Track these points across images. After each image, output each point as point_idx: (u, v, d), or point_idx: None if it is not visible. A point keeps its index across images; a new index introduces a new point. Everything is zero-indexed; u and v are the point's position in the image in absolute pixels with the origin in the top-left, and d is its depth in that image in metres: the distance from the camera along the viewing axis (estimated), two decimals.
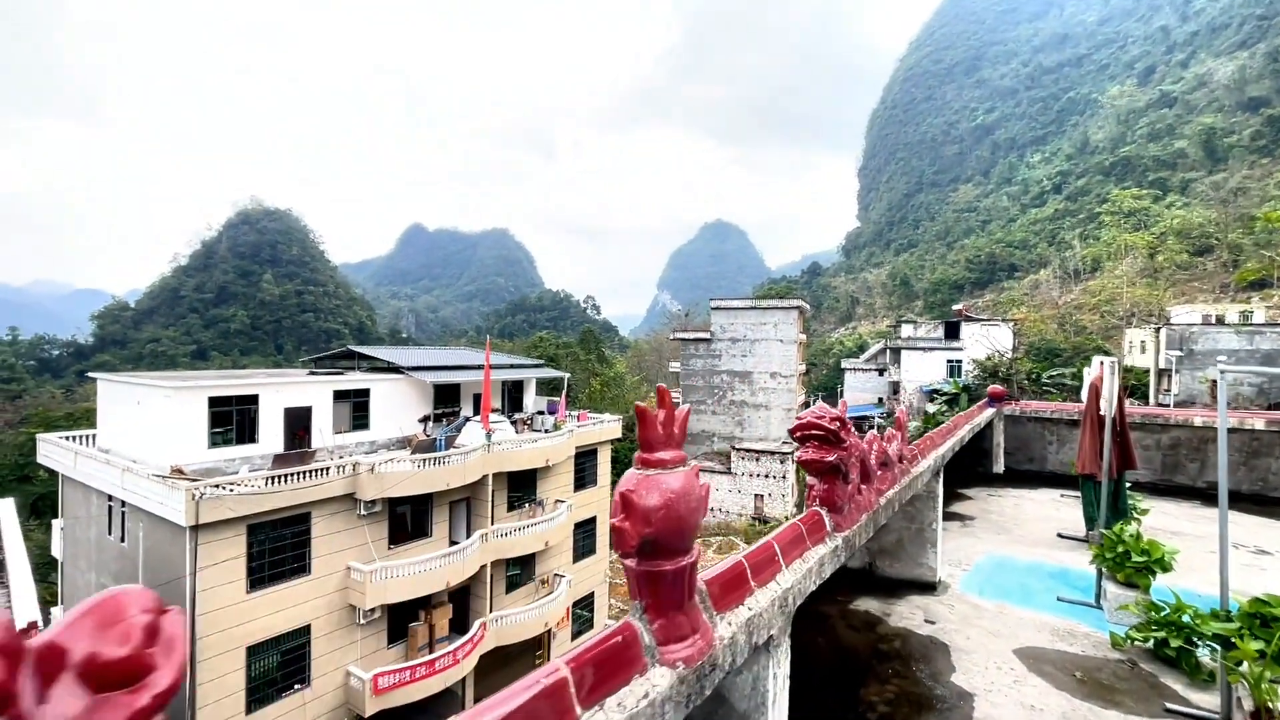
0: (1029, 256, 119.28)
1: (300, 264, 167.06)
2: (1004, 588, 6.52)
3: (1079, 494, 9.00)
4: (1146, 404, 42.81)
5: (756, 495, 48.52)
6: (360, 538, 18.69)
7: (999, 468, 10.61)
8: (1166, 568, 5.50)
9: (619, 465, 47.91)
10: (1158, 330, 50.45)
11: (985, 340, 54.96)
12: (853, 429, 3.87)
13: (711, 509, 49.97)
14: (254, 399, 19.54)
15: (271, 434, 20.02)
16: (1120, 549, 5.63)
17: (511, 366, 29.43)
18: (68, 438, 20.84)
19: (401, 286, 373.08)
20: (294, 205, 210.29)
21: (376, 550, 19.24)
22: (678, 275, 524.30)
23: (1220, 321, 56.92)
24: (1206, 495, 9.72)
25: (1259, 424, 9.64)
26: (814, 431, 3.63)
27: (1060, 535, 8.17)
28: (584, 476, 28.29)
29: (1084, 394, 7.56)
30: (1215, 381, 45.93)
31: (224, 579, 15.60)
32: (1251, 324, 51.84)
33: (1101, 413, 6.72)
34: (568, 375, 31.89)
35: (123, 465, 16.90)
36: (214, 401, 18.63)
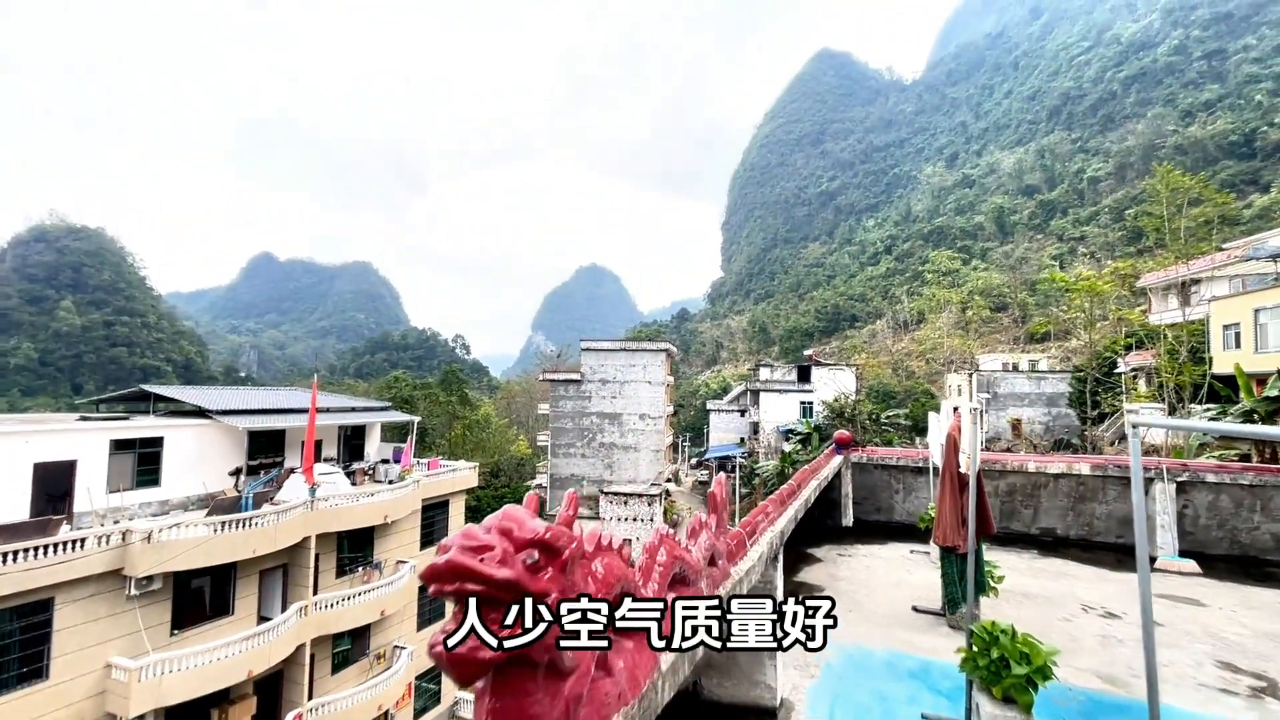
0: (867, 308, 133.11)
1: (112, 290, 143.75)
2: (860, 705, 5.62)
3: (927, 548, 8.89)
4: None
5: (624, 540, 47.53)
6: (128, 625, 15.05)
7: (848, 520, 10.57)
8: (1048, 675, 4.70)
9: (476, 516, 44.91)
10: (970, 375, 57.63)
11: (832, 383, 59.44)
12: (569, 549, 2.21)
13: None
14: None
15: (12, 497, 15.86)
16: (995, 654, 4.70)
17: (350, 410, 26.43)
18: None
19: (244, 320, 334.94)
20: (109, 224, 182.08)
21: (154, 638, 15.61)
22: (553, 316, 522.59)
23: (1015, 369, 66.42)
24: (1041, 542, 10.09)
25: (1085, 468, 10.21)
26: (470, 585, 1.85)
27: (916, 609, 7.56)
28: (432, 531, 25.67)
29: (931, 440, 7.40)
30: (1018, 421, 52.89)
31: None
32: (1037, 371, 61.06)
33: (962, 469, 5.75)
34: (416, 419, 29.25)
35: None
36: None
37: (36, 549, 13.19)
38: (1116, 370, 37.88)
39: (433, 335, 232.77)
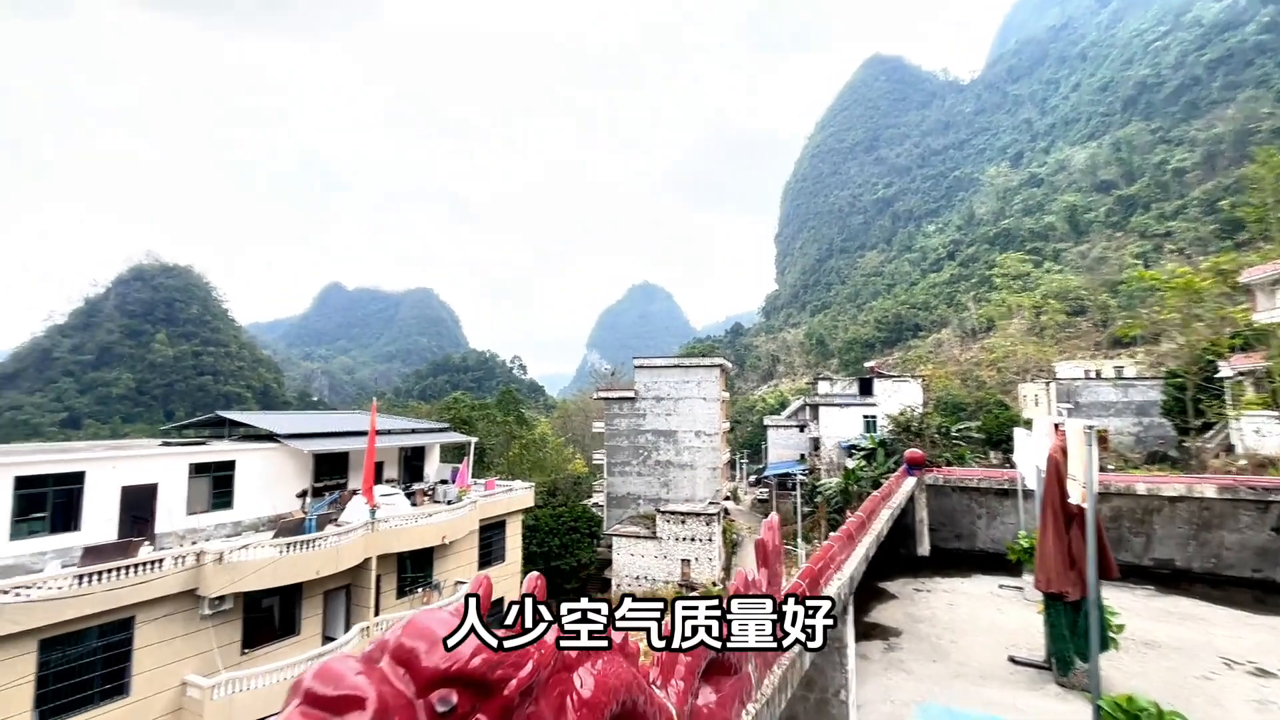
0: (930, 317, 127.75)
1: (200, 323, 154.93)
2: None
3: (1019, 582, 7.87)
4: None
5: (683, 560, 46.62)
6: (202, 643, 15.54)
7: (924, 549, 9.45)
8: None
9: (535, 535, 45.04)
10: (1048, 385, 53.98)
11: (897, 396, 56.94)
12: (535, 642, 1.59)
13: (636, 577, 47.54)
14: (78, 477, 16.38)
15: (103, 518, 16.77)
16: None
17: (410, 431, 26.96)
18: None
19: (315, 347, 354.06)
20: (197, 262, 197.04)
21: (226, 656, 16.07)
22: (606, 335, 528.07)
23: (1099, 376, 61.83)
24: (1157, 576, 8.68)
25: (1209, 490, 8.69)
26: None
27: (1014, 661, 6.35)
28: (490, 552, 25.76)
29: (1020, 459, 6.55)
30: (1104, 432, 49.11)
31: None
32: (1125, 378, 56.57)
33: (1074, 501, 4.67)
34: (474, 440, 29.57)
35: None
36: (23, 482, 15.40)
37: (120, 569, 13.80)
38: (1219, 375, 34.50)
39: (491, 357, 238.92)
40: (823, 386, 66.30)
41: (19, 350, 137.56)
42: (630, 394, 58.09)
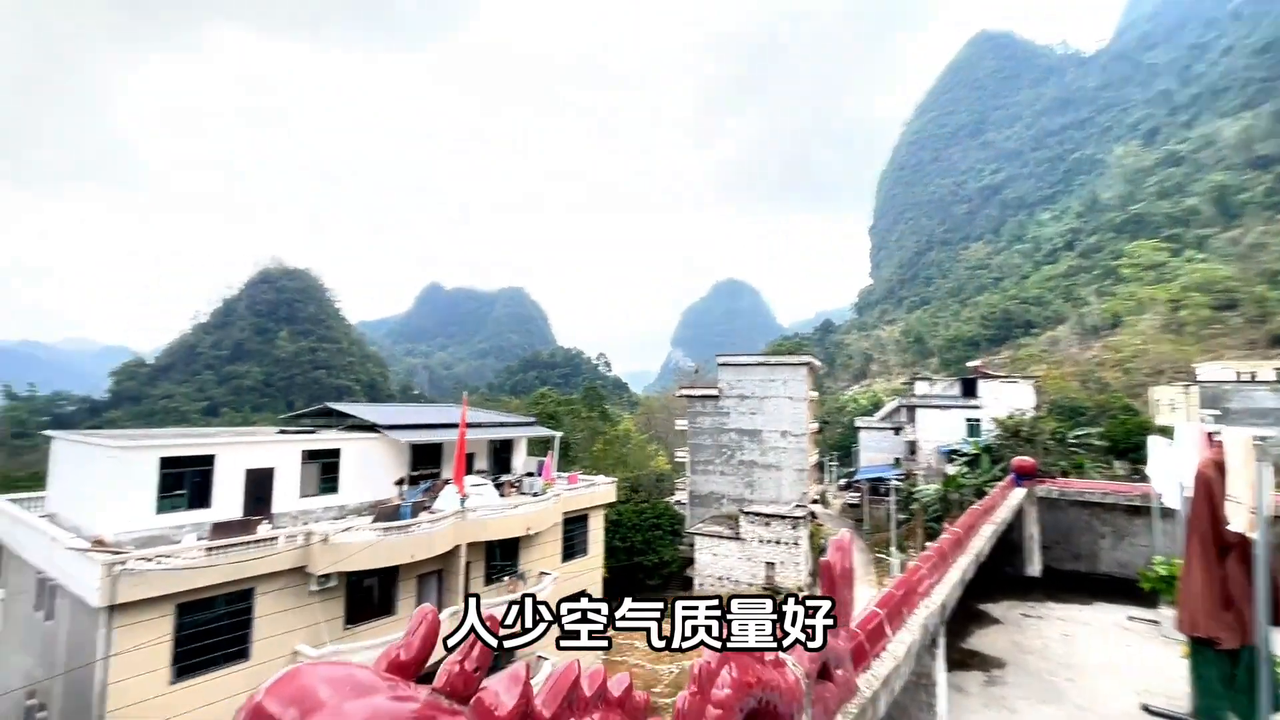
0: (1045, 313, 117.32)
1: (316, 321, 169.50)
2: None
3: (1154, 615, 6.73)
4: None
5: (768, 563, 45.52)
6: (311, 617, 16.80)
7: (1034, 569, 8.21)
8: None
9: (618, 530, 45.48)
10: (1188, 388, 48.06)
11: (1005, 398, 52.65)
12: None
13: (719, 578, 46.94)
14: (210, 459, 18.17)
15: (230, 497, 18.52)
16: None
17: (499, 425, 27.93)
18: (14, 500, 19.47)
19: (417, 344, 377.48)
20: (313, 264, 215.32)
21: (331, 630, 17.30)
22: (691, 333, 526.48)
23: (1254, 379, 54.19)
24: None
25: None
26: None
27: (1149, 710, 5.24)
28: (573, 545, 26.21)
29: (1156, 473, 5.58)
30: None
31: (144, 667, 13.75)
32: None
33: (1234, 528, 3.80)
34: (559, 435, 30.21)
35: (48, 534, 15.42)
36: (166, 462, 17.27)
37: (242, 544, 15.17)
38: None
39: (577, 354, 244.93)
40: (921, 387, 62.52)
41: (171, 346, 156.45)
42: (713, 392, 57.41)
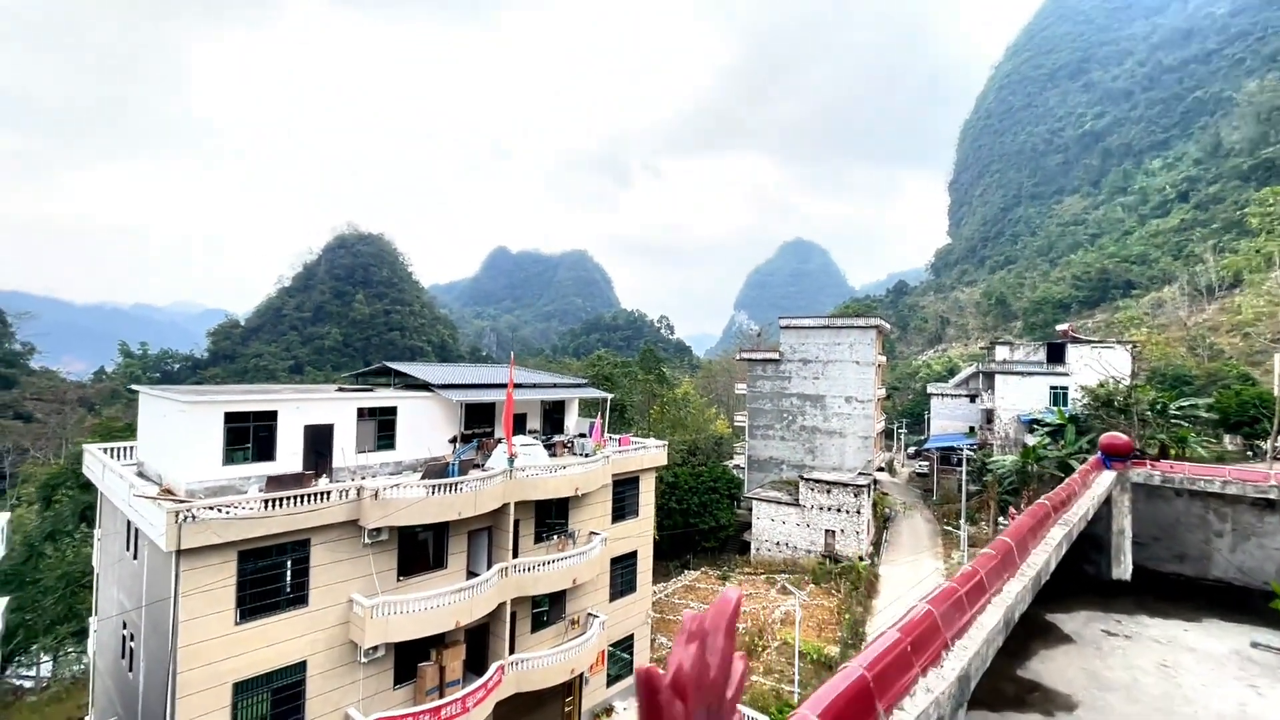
0: (1149, 272, 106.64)
1: (389, 285, 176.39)
2: None
3: None
4: None
5: (827, 531, 44.33)
6: (364, 568, 17.34)
7: (1123, 570, 6.43)
8: None
9: (675, 492, 45.30)
10: None
11: (1097, 365, 48.28)
12: None
13: (778, 543, 46.23)
14: (273, 415, 18.82)
15: (291, 452, 19.21)
16: None
17: (551, 386, 27.82)
18: (107, 450, 21.01)
19: (485, 307, 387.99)
20: (386, 230, 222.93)
21: (384, 582, 17.84)
22: (755, 295, 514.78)
23: None
24: None
25: None
26: None
27: None
28: (623, 506, 26.04)
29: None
30: None
31: (210, 608, 14.55)
32: None
33: None
34: (609, 396, 29.84)
35: (127, 481, 16.43)
36: (231, 417, 18.00)
37: (295, 498, 15.65)
38: None
39: (640, 316, 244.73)
40: (1001, 352, 58.32)
41: (260, 308, 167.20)
42: (774, 355, 55.66)
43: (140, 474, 19.59)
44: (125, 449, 21.39)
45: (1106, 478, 6.20)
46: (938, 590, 2.75)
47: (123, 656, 18.54)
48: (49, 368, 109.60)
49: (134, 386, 22.14)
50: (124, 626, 18.42)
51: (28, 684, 36.43)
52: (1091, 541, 5.86)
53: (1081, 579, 5.68)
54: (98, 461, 20.26)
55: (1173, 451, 34.86)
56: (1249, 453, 47.64)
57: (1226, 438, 50.88)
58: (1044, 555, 3.62)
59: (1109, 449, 6.54)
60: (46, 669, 37.34)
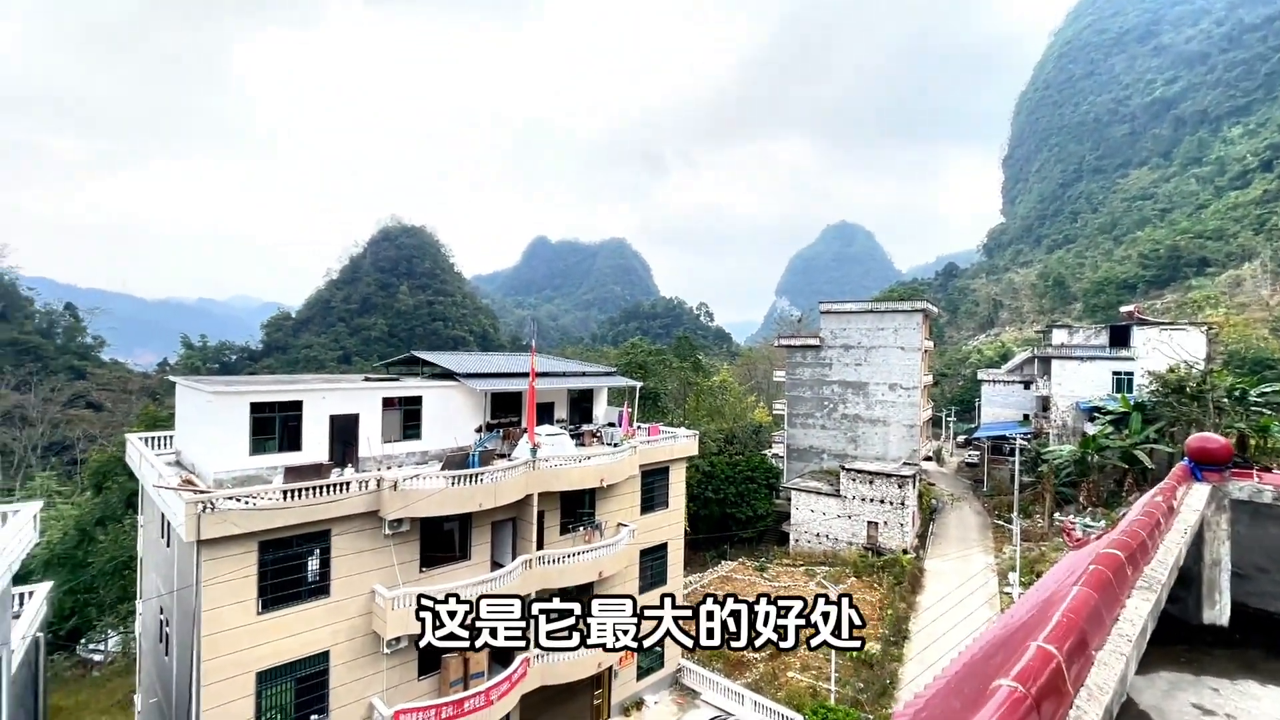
0: (1227, 249, 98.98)
1: (432, 276, 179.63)
2: None
3: None
4: None
5: (870, 523, 42.75)
6: (386, 559, 17.20)
7: (1216, 613, 4.08)
8: None
9: (711, 482, 44.38)
10: None
11: (1167, 348, 44.90)
12: None
13: (817, 534, 44.89)
14: (298, 405, 18.86)
15: (317, 442, 19.24)
16: None
17: (579, 374, 27.29)
18: (145, 439, 21.53)
19: (526, 296, 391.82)
20: (429, 222, 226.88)
21: (407, 573, 17.69)
22: (798, 280, 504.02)
23: None
24: None
25: None
26: None
27: None
28: (652, 497, 25.39)
29: None
30: None
31: (232, 598, 14.60)
32: None
33: None
34: (638, 384, 29.11)
35: (156, 470, 16.65)
36: (256, 407, 18.09)
37: (314, 489, 15.53)
38: None
39: (679, 304, 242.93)
40: (1058, 335, 55.04)
41: (310, 300, 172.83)
42: (814, 342, 53.94)
43: (177, 463, 20.01)
44: (164, 438, 21.90)
45: (1199, 491, 4.65)
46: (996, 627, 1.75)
47: (160, 640, 19.03)
48: (118, 360, 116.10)
49: (171, 378, 22.63)
50: (161, 611, 18.87)
51: (97, 657, 38.57)
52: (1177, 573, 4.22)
53: (1162, 621, 3.77)
54: (136, 450, 20.77)
55: (1253, 442, 31.92)
56: None
57: None
58: (1119, 660, 2.09)
59: (1200, 455, 4.89)
60: (115, 644, 39.44)
